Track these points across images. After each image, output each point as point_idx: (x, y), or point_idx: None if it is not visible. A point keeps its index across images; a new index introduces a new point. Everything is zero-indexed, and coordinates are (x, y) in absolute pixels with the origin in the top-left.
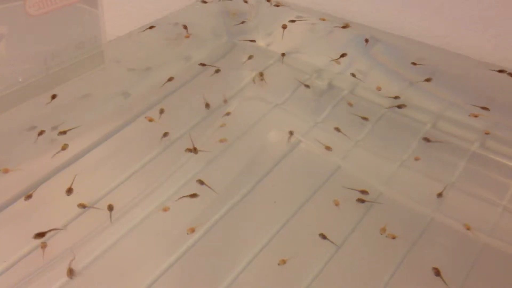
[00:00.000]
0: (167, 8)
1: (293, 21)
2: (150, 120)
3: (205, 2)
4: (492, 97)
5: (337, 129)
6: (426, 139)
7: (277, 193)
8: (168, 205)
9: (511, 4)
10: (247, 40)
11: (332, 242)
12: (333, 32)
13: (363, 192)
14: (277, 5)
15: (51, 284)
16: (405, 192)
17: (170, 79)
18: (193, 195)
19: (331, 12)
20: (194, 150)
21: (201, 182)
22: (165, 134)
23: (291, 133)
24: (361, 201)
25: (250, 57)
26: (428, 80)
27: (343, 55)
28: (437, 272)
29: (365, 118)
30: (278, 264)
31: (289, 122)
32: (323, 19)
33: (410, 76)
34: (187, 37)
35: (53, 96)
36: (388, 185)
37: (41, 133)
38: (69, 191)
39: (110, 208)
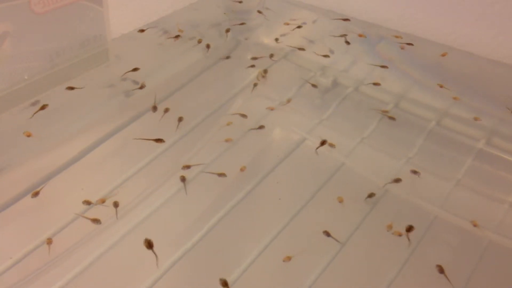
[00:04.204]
0: (172, 6)
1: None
2: None
3: None
4: (497, 94)
5: (342, 126)
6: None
7: (282, 190)
8: (173, 202)
9: None
10: (251, 66)
11: (335, 239)
12: (336, 29)
13: (397, 180)
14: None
15: (57, 280)
16: (410, 190)
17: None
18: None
19: (333, 8)
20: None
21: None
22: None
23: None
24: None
25: (253, 57)
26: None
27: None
28: (441, 270)
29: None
30: (283, 261)
31: (293, 120)
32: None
33: (415, 74)
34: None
35: (42, 107)
36: (393, 182)
37: None
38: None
39: (116, 204)
